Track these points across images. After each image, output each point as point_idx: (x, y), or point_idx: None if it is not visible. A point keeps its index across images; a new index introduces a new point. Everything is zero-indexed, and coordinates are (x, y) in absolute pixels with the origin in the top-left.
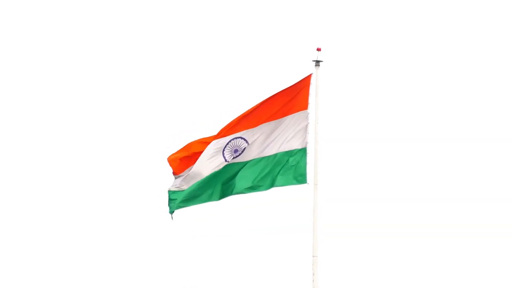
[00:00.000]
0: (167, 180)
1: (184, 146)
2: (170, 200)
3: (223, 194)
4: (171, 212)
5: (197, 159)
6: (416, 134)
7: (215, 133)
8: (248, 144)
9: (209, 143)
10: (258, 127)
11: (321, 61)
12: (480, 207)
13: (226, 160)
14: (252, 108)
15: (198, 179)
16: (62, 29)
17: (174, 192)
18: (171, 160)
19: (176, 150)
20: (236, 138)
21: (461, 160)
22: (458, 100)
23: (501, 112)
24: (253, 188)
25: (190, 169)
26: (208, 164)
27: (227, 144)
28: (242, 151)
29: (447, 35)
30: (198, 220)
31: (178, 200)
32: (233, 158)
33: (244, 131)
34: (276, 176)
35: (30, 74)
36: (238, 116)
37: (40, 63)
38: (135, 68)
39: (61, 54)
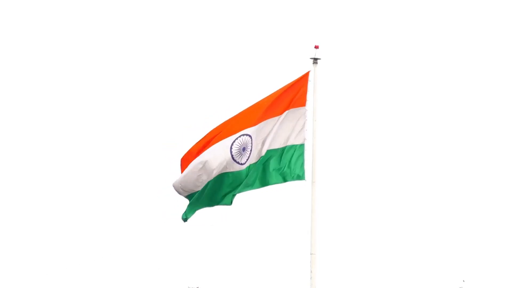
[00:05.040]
0: (166, 180)
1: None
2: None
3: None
4: (185, 218)
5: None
6: (414, 131)
7: (212, 130)
8: (253, 143)
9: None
10: (256, 125)
11: (319, 59)
12: (479, 205)
13: (236, 161)
14: (250, 106)
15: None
16: (61, 29)
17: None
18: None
19: (180, 151)
20: (242, 135)
21: (460, 152)
22: (457, 94)
23: (501, 112)
24: (251, 186)
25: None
26: (214, 161)
27: (234, 141)
28: (251, 152)
29: (446, 32)
30: (194, 217)
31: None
32: (247, 160)
33: (247, 129)
34: (274, 173)
35: (30, 74)
36: (239, 114)
37: (39, 63)
38: (131, 67)
39: (60, 54)
